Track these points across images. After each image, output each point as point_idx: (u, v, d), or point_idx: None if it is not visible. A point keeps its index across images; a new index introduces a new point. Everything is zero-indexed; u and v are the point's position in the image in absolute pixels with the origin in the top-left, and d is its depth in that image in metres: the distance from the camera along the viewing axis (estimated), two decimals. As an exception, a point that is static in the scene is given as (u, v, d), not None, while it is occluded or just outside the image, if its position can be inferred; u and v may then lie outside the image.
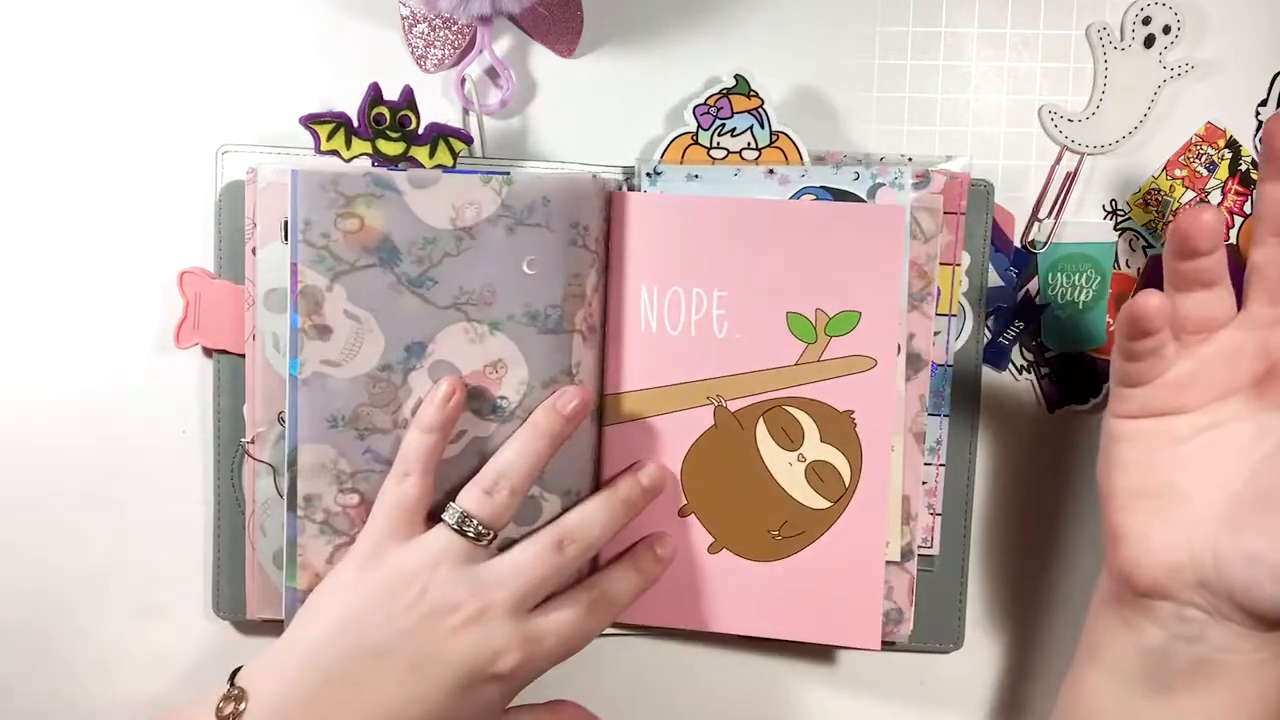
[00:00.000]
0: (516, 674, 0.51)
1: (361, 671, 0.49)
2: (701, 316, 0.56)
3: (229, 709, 0.49)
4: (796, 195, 0.56)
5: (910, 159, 0.59)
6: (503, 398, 0.54)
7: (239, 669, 0.51)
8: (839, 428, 0.56)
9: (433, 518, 0.52)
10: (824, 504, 0.56)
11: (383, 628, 0.49)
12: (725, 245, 0.55)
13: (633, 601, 0.56)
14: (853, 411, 0.56)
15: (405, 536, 0.51)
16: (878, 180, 0.56)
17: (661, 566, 0.56)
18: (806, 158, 0.57)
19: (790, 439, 0.56)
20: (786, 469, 0.56)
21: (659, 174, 0.57)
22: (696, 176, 0.57)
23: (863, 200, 0.56)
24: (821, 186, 0.56)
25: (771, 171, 0.56)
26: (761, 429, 0.56)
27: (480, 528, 0.51)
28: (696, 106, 0.58)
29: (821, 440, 0.56)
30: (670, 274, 0.56)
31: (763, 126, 0.58)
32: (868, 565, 0.56)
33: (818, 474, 0.56)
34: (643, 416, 0.57)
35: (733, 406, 0.56)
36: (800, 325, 0.55)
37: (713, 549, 0.57)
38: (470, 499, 0.51)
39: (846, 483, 0.56)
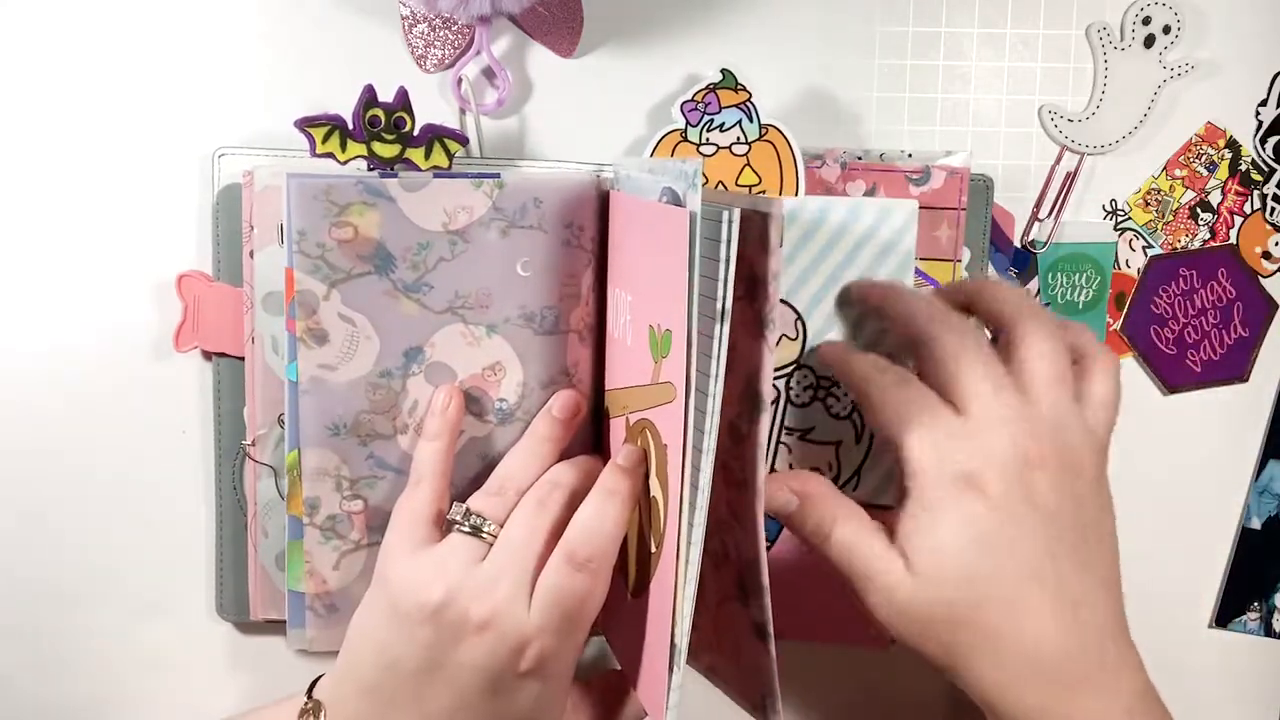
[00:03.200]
0: (544, 666, 0.49)
1: (402, 690, 0.49)
2: (624, 321, 0.52)
3: None
4: (660, 195, 0.47)
5: (910, 154, 0.59)
6: (502, 400, 0.54)
7: (317, 680, 0.52)
8: (662, 463, 0.48)
9: (446, 525, 0.52)
10: (654, 548, 0.49)
11: (409, 647, 0.49)
12: (622, 247, 0.52)
13: (621, 527, 0.49)
14: (668, 447, 0.47)
15: (419, 544, 0.50)
16: (684, 182, 0.45)
17: (630, 476, 0.50)
18: (797, 151, 0.57)
19: (650, 465, 0.50)
20: (644, 499, 0.50)
21: (618, 172, 0.54)
22: (629, 176, 0.52)
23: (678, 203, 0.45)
24: (670, 187, 0.47)
25: (651, 170, 0.49)
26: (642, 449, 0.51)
27: (490, 524, 0.50)
28: (684, 103, 0.58)
29: (656, 473, 0.49)
30: (615, 275, 0.53)
31: (752, 120, 0.57)
32: (658, 633, 0.48)
33: (652, 511, 0.50)
34: (612, 417, 0.55)
35: (632, 420, 0.51)
36: (653, 340, 0.48)
37: (617, 568, 0.52)
38: (477, 502, 0.51)
39: (662, 528, 0.48)
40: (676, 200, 0.45)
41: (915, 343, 0.50)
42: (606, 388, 0.55)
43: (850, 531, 0.48)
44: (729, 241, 0.42)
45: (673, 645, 0.47)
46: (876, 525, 0.49)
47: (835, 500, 0.50)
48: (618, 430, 0.53)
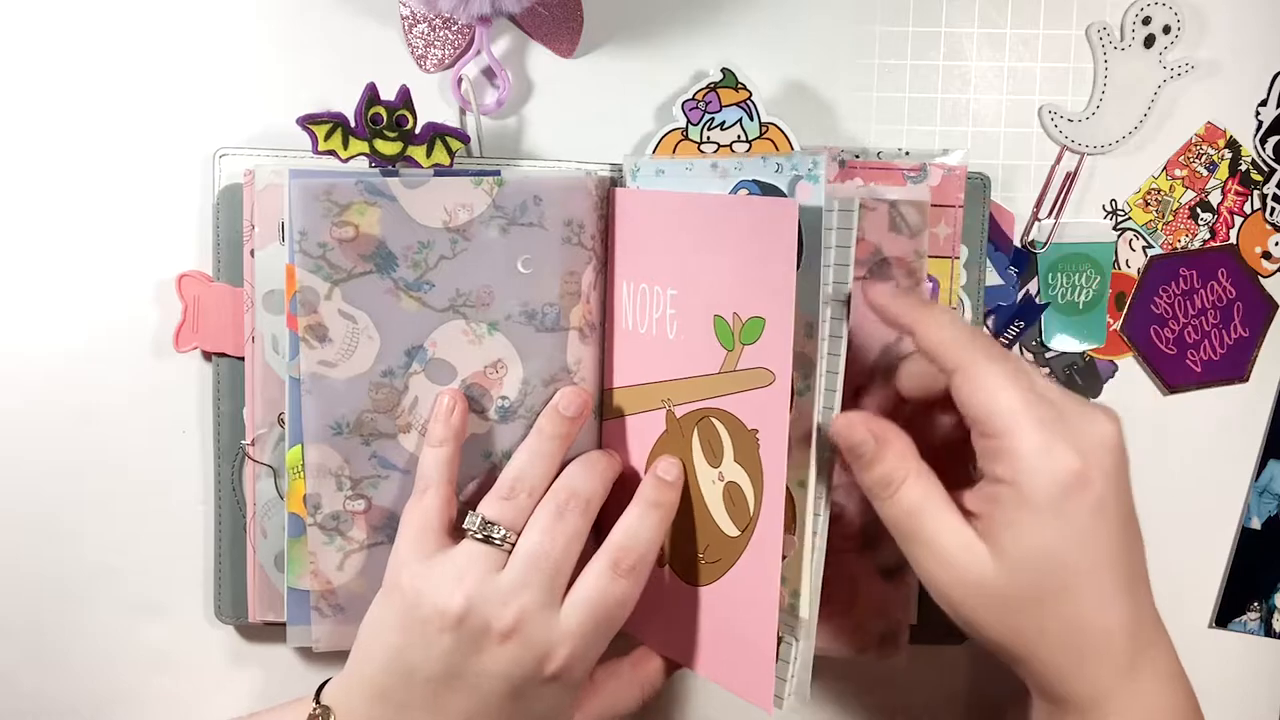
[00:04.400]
0: (569, 670, 0.50)
1: (419, 698, 0.49)
2: (659, 316, 0.53)
3: None
4: (734, 190, 0.52)
5: (907, 153, 0.59)
6: (504, 397, 0.54)
7: (324, 684, 0.52)
8: (747, 448, 0.50)
9: (455, 530, 0.52)
10: (735, 531, 0.51)
11: (426, 655, 0.49)
12: (666, 242, 0.52)
13: (661, 537, 0.52)
14: (757, 431, 0.49)
15: (431, 551, 0.50)
16: (795, 172, 0.49)
17: (674, 490, 0.52)
18: (797, 149, 0.57)
19: (714, 454, 0.51)
20: (710, 487, 0.52)
21: (638, 170, 0.56)
22: (662, 171, 0.55)
23: (783, 194, 0.50)
24: (754, 180, 0.51)
25: (715, 165, 0.53)
26: (695, 440, 0.52)
27: (503, 531, 0.50)
28: (685, 102, 0.58)
29: (735, 459, 0.50)
30: (639, 270, 0.54)
31: (752, 118, 0.57)
32: (761, 614, 0.49)
33: (731, 497, 0.51)
34: (626, 414, 0.55)
35: (679, 412, 0.53)
36: (723, 330, 0.50)
37: (660, 562, 0.54)
38: (489, 506, 0.51)
39: (751, 510, 0.50)
40: (763, 194, 0.50)
41: (949, 369, 0.47)
42: (618, 384, 0.56)
43: (920, 495, 0.46)
44: (850, 230, 0.46)
45: (795, 618, 0.50)
46: (947, 497, 0.46)
47: (910, 456, 0.47)
48: (645, 425, 0.54)
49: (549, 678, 0.49)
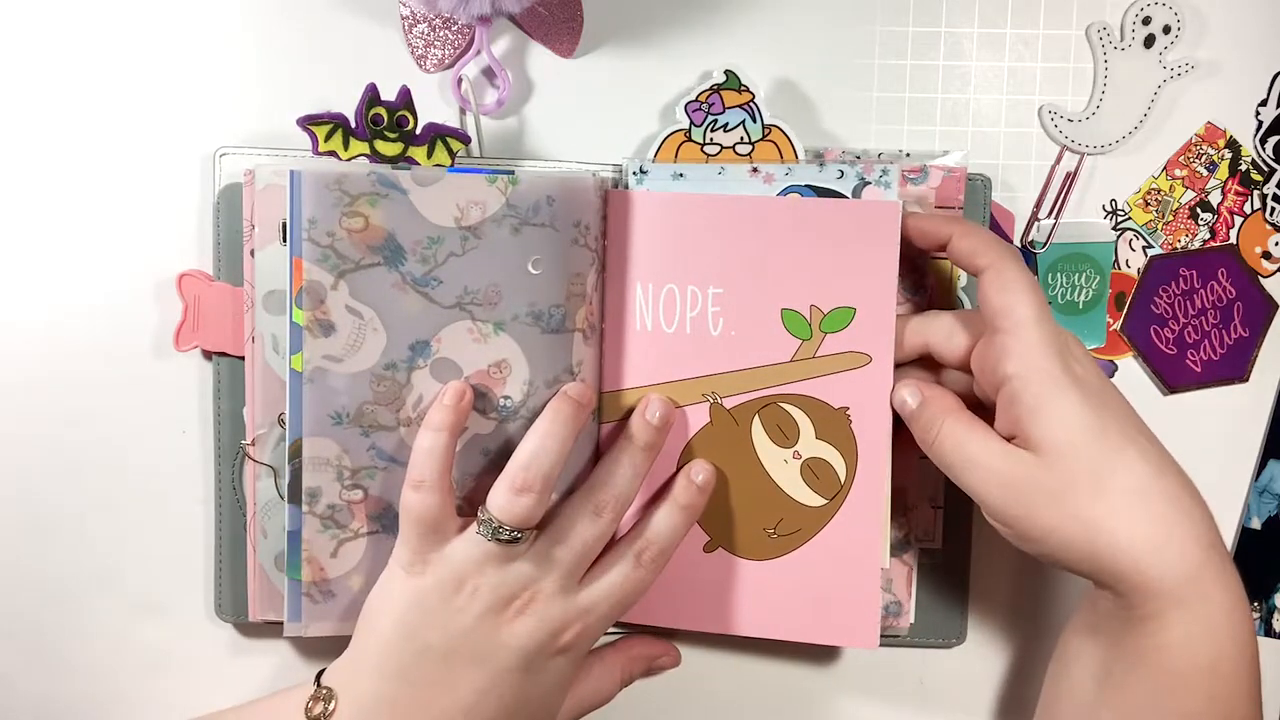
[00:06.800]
0: (578, 643, 0.53)
1: (432, 673, 0.51)
2: (697, 314, 0.55)
3: (319, 709, 0.51)
4: (782, 194, 0.56)
5: (908, 154, 0.59)
6: (506, 397, 0.54)
7: (323, 670, 0.53)
8: (834, 424, 0.55)
9: (462, 510, 0.53)
10: (820, 501, 0.56)
11: (442, 631, 0.51)
12: (720, 242, 0.55)
13: (684, 534, 0.55)
14: (848, 408, 0.55)
15: (441, 543, 0.51)
16: (864, 178, 0.56)
17: (702, 494, 0.56)
18: (800, 151, 0.57)
19: (785, 436, 0.56)
20: (782, 466, 0.56)
21: (644, 173, 0.57)
22: (681, 175, 0.56)
23: (846, 198, 0.55)
24: (807, 185, 0.56)
25: (755, 170, 0.56)
26: (757, 426, 0.56)
27: (516, 533, 0.50)
28: (688, 103, 0.58)
29: (817, 437, 0.56)
30: (665, 271, 0.56)
31: (755, 120, 0.57)
32: (864, 563, 0.56)
33: (813, 471, 0.56)
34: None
35: (728, 404, 0.56)
36: (795, 322, 0.55)
37: (708, 548, 0.57)
38: (500, 504, 0.50)
39: (842, 480, 0.56)
40: (828, 194, 0.56)
41: (980, 268, 0.51)
42: (629, 385, 0.56)
43: (962, 429, 0.50)
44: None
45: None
46: (986, 427, 0.50)
47: (949, 402, 0.52)
48: (679, 419, 0.56)
49: (559, 649, 0.52)
